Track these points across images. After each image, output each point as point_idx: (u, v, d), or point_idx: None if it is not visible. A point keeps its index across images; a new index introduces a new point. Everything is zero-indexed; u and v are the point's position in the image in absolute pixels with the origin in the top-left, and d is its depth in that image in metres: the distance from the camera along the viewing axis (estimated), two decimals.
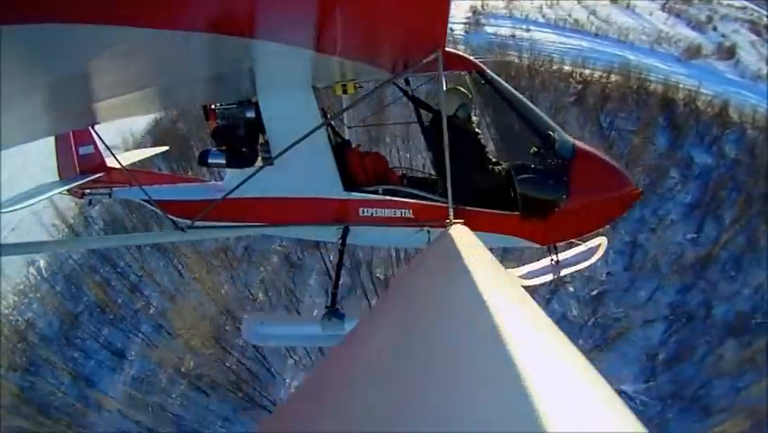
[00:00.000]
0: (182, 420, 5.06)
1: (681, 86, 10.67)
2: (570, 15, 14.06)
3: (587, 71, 9.93)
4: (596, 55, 11.36)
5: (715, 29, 15.50)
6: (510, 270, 3.68)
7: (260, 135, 2.77)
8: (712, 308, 6.60)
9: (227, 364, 5.11)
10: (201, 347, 5.08)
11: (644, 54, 12.74)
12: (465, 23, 12.53)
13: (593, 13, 14.89)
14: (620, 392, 5.56)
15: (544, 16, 14.04)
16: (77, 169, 3.54)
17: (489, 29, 12.61)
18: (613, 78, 9.80)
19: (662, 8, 16.31)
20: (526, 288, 3.09)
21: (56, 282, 7.77)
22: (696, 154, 8.67)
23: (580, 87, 9.06)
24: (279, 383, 5.20)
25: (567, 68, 10.06)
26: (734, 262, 7.29)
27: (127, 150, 8.98)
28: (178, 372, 5.41)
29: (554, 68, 9.89)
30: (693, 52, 13.46)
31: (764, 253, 7.50)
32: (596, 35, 13.33)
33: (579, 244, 3.48)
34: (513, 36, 12.17)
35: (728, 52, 13.99)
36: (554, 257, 3.37)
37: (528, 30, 12.72)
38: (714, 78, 12.47)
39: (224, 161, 2.75)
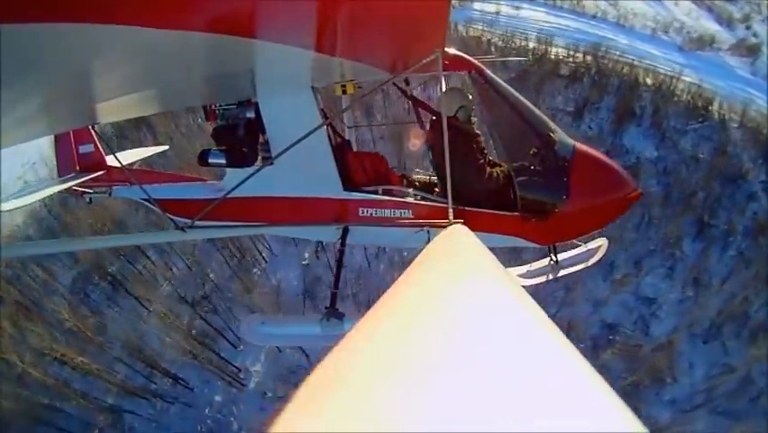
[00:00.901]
0: (99, 305, 6.45)
1: (664, 72, 10.04)
2: None
3: (552, 49, 9.62)
4: (580, 36, 10.92)
5: (748, 27, 14.17)
6: (510, 269, 3.67)
7: (260, 135, 2.77)
8: (561, 309, 5.70)
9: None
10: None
11: (642, 40, 12.04)
12: None
13: None
14: None
15: None
16: (78, 168, 3.52)
17: (476, 5, 12.47)
18: (579, 57, 9.46)
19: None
20: (526, 288, 3.17)
21: (52, 206, 9.39)
22: (638, 144, 8.03)
23: (532, 64, 8.85)
24: (159, 284, 6.52)
25: (531, 45, 9.82)
26: (630, 265, 6.31)
27: None
28: (104, 272, 6.72)
29: (518, 44, 9.73)
30: (702, 43, 12.52)
31: (684, 263, 6.45)
32: (593, 17, 12.74)
33: (580, 246, 3.48)
34: (497, 13, 11.97)
35: (750, 50, 12.85)
36: (554, 257, 3.41)
37: (517, 8, 12.42)
38: (717, 71, 11.58)
39: (224, 161, 2.73)
